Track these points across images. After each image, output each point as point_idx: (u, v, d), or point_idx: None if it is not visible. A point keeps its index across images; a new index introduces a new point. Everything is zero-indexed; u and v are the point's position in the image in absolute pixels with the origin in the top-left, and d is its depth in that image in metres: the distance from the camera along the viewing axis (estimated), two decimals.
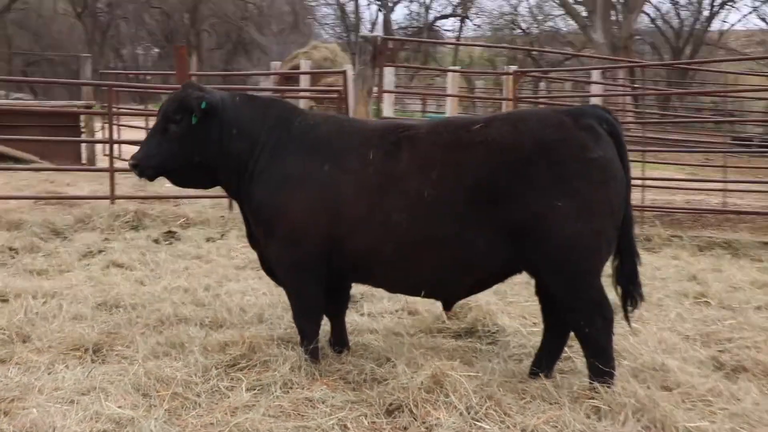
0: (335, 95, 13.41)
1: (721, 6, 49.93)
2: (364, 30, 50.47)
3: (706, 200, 15.48)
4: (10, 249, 9.23)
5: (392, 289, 5.84)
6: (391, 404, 4.87)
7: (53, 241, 9.93)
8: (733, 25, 52.81)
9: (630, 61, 27.89)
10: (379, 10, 57.57)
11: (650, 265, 9.21)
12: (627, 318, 5.44)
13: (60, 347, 5.97)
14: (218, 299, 7.29)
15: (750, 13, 57.61)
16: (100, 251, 9.30)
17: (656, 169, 17.80)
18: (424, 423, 4.64)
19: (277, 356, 5.59)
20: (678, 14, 51.47)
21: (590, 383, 5.11)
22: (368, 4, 59.05)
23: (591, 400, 4.90)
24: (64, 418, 4.52)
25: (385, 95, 21.72)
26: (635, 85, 25.49)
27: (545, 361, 5.57)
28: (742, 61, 35.24)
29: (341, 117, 6.75)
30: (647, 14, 49.60)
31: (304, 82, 22.60)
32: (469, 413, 4.68)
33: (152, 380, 5.19)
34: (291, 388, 5.20)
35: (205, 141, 5.63)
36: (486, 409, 4.72)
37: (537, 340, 5.83)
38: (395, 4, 57.68)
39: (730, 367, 5.86)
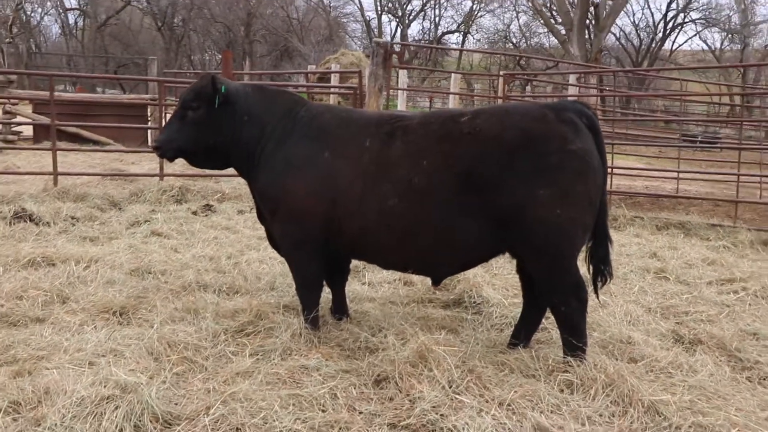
0: (351, 92, 12.68)
1: (672, 30, 50.17)
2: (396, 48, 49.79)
3: (661, 186, 14.71)
4: (72, 218, 8.56)
5: (385, 266, 5.11)
6: (379, 375, 4.17)
7: (110, 211, 9.24)
8: (680, 45, 53.37)
9: (600, 68, 27.10)
10: (398, 25, 56.75)
11: (617, 242, 8.35)
12: (597, 293, 4.72)
13: (92, 309, 5.29)
14: (237, 267, 6.56)
15: (694, 35, 57.38)
16: (145, 221, 8.57)
17: (619, 159, 17.03)
18: (408, 395, 3.92)
19: (280, 324, 4.92)
20: (638, 35, 52.14)
21: (564, 357, 4.44)
22: (389, 21, 57.83)
23: (564, 374, 4.22)
24: (76, 381, 3.82)
25: (399, 92, 21.21)
26: (603, 87, 24.63)
27: (524, 332, 4.88)
28: (683, 70, 34.37)
29: (342, 108, 5.98)
30: (614, 34, 49.52)
31: (335, 81, 22.06)
32: (450, 387, 3.97)
33: (164, 345, 4.49)
34: (290, 355, 4.51)
35: (219, 127, 4.93)
36: (466, 383, 4.03)
37: (517, 310, 5.14)
38: (411, 21, 56.84)
39: (688, 340, 5.18)
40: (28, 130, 18.40)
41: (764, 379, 4.62)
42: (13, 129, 18.33)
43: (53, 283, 5.76)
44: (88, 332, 4.83)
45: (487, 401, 3.87)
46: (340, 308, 5.34)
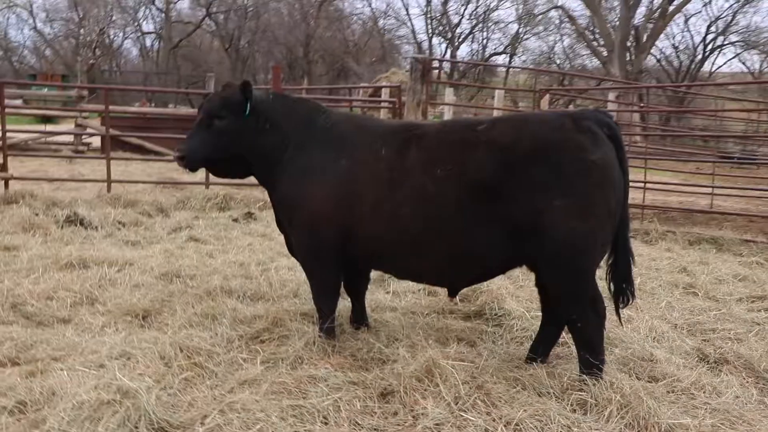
0: (390, 106, 12.37)
1: (711, 52, 48.45)
2: (435, 63, 49.34)
3: (696, 202, 14.00)
4: (119, 222, 8.41)
5: (399, 275, 4.71)
6: (385, 389, 3.78)
7: (156, 217, 9.08)
8: (720, 66, 51.56)
9: (639, 84, 26.33)
10: (447, 47, 56.29)
11: (647, 256, 7.94)
12: (618, 314, 4.24)
13: (116, 312, 5.07)
14: (265, 273, 6.21)
15: (733, 57, 55.65)
16: (187, 227, 8.37)
17: (656, 175, 16.36)
18: (411, 411, 3.54)
19: (295, 332, 4.59)
20: (678, 56, 50.16)
21: (579, 375, 3.98)
22: (439, 43, 57.13)
23: (579, 393, 3.79)
24: (80, 384, 3.58)
25: (446, 109, 20.95)
26: (642, 104, 23.79)
27: (542, 347, 4.45)
28: (721, 89, 33.15)
29: (361, 116, 5.63)
30: (654, 55, 48.03)
31: (386, 96, 21.91)
32: (456, 403, 3.58)
33: (176, 349, 4.18)
34: (300, 364, 4.17)
35: (244, 135, 4.58)
36: (474, 400, 3.63)
37: (539, 324, 4.66)
38: (460, 43, 56.31)
39: (713, 359, 4.66)
40: (97, 141, 18.59)
41: None
42: (84, 140, 18.55)
43: (84, 284, 5.56)
44: (108, 334, 4.59)
45: (493, 420, 3.47)
46: (359, 317, 4.98)
